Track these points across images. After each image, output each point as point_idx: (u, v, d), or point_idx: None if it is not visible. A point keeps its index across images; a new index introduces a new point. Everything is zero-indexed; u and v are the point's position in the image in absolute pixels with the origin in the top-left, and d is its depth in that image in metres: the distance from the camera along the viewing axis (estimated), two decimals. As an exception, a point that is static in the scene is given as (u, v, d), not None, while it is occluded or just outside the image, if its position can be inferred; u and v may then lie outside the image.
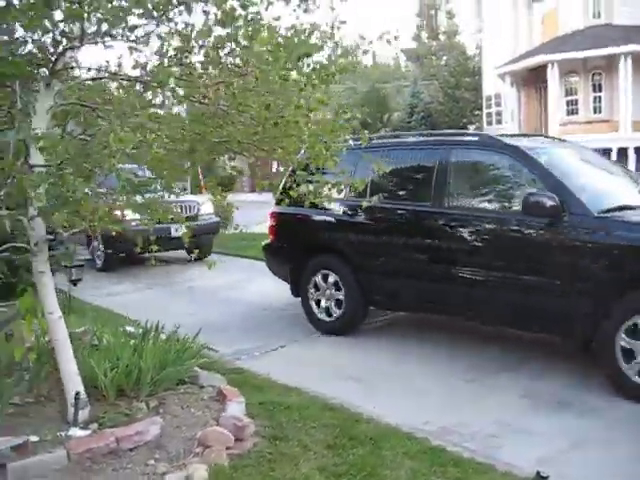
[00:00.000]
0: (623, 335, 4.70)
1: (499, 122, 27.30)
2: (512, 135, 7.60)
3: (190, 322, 5.60)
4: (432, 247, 5.84)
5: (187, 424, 3.92)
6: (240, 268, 10.70)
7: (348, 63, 3.39)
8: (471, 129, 33.92)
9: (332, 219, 6.71)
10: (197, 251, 4.54)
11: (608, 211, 5.06)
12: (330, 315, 6.72)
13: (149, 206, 3.56)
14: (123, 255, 10.62)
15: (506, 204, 5.61)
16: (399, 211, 6.18)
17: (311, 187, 3.85)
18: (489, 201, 5.73)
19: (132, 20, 3.18)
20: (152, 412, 4.00)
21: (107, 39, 3.17)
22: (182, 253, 11.30)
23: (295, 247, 7.10)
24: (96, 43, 3.35)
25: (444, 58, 39.63)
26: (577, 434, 4.22)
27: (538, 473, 3.49)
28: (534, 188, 5.28)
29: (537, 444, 4.08)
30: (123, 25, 3.08)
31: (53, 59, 3.24)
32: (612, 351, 4.75)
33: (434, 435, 4.15)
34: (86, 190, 2.78)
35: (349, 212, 6.54)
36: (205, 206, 11.66)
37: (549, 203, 5.04)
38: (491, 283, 5.45)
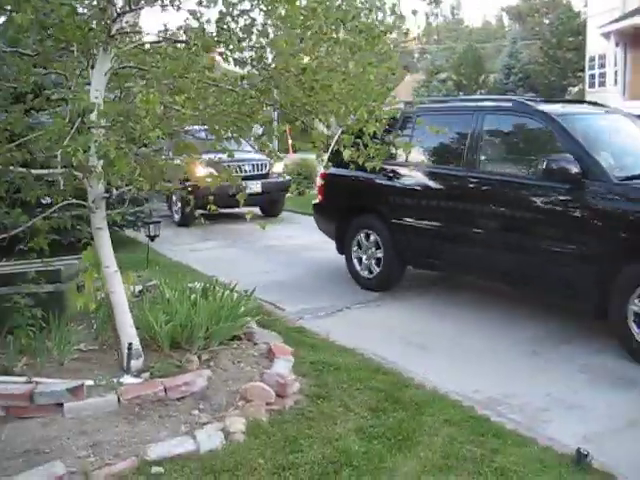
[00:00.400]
0: (636, 301, 4.72)
1: (602, 85, 25.90)
2: (553, 101, 7.52)
3: (263, 280, 5.77)
4: (459, 210, 5.98)
5: (234, 378, 4.06)
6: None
7: (394, 23, 3.33)
8: (573, 91, 32.50)
9: (373, 181, 6.84)
10: (246, 210, 4.62)
11: (630, 178, 5.00)
12: (370, 272, 6.99)
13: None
14: (200, 211, 10.94)
15: (531, 169, 5.63)
16: (433, 174, 6.39)
17: (354, 151, 3.85)
18: (516, 166, 5.85)
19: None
20: (203, 365, 4.17)
21: (157, 4, 3.26)
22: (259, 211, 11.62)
23: (340, 207, 7.38)
24: (151, 6, 3.45)
25: (549, 17, 37.85)
26: (635, 414, 4.06)
27: (578, 450, 3.41)
28: (559, 154, 5.24)
29: (589, 421, 3.97)
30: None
31: (108, 24, 3.36)
32: (624, 316, 4.77)
33: (482, 404, 4.11)
34: (116, 151, 2.89)
35: (389, 174, 6.69)
36: (277, 165, 11.80)
37: (569, 169, 5.05)
38: (509, 246, 5.57)
